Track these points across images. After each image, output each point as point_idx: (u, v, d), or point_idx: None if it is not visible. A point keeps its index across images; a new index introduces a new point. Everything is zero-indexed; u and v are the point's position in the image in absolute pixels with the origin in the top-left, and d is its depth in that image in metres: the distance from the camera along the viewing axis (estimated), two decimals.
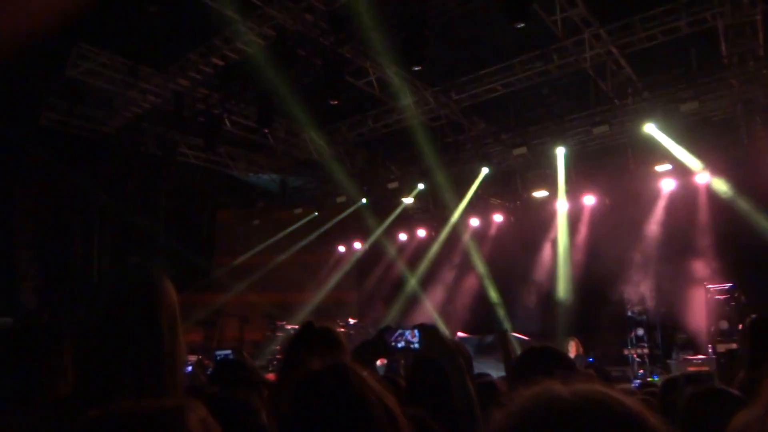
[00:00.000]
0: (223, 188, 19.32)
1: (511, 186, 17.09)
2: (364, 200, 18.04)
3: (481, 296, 17.87)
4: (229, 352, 15.13)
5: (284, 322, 17.68)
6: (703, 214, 14.82)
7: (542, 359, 2.97)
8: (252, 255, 19.48)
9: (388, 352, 3.25)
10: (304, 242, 19.43)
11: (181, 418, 1.47)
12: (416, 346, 3.02)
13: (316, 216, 19.27)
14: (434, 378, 3.04)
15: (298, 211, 19.08)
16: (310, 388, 1.90)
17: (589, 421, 1.05)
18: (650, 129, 13.49)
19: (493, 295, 17.61)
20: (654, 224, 15.66)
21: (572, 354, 12.77)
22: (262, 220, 19.76)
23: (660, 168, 14.72)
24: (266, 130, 15.04)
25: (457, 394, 2.79)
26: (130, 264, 2.15)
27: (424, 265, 18.88)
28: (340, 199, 18.06)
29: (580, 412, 1.06)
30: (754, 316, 4.35)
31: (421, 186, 16.84)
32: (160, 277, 2.10)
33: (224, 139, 15.48)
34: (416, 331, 3.01)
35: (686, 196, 15.07)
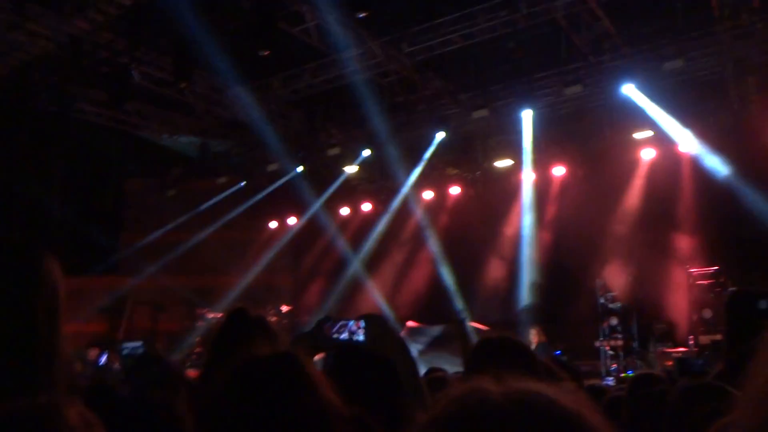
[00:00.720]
0: (132, 153, 19.01)
1: (471, 154, 17.30)
2: (299, 168, 18.06)
3: (436, 280, 18.11)
4: (138, 344, 15.08)
5: (206, 310, 17.92)
6: (687, 187, 15.19)
7: (499, 351, 3.01)
8: (167, 232, 19.43)
9: (329, 345, 3.41)
10: (228, 217, 19.42)
11: (57, 414, 1.46)
12: (361, 338, 3.19)
13: (243, 186, 19.23)
14: (379, 375, 3.04)
15: (222, 180, 18.96)
16: (252, 378, 1.89)
17: (518, 426, 1.07)
18: (629, 90, 13.80)
19: (449, 279, 17.87)
20: (631, 199, 16.03)
21: (533, 344, 13.12)
22: (178, 191, 19.66)
23: (639, 135, 15.04)
24: (183, 85, 14.79)
25: (408, 393, 2.86)
26: (1, 239, 2.11)
27: (369, 244, 19.02)
28: (272, 167, 18.06)
29: (510, 416, 1.08)
30: (732, 288, 4.54)
31: (366, 152, 16.95)
32: (37, 255, 2.05)
33: (133, 95, 15.18)
34: (361, 322, 3.17)
35: (668, 167, 15.41)
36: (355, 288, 18.69)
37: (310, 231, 20.02)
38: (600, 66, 13.96)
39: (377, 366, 2.92)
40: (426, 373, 6.13)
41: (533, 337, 13.38)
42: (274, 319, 16.74)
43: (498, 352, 2.99)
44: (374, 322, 3.26)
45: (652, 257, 15.14)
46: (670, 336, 14.97)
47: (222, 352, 3.14)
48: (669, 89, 13.97)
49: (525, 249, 17.01)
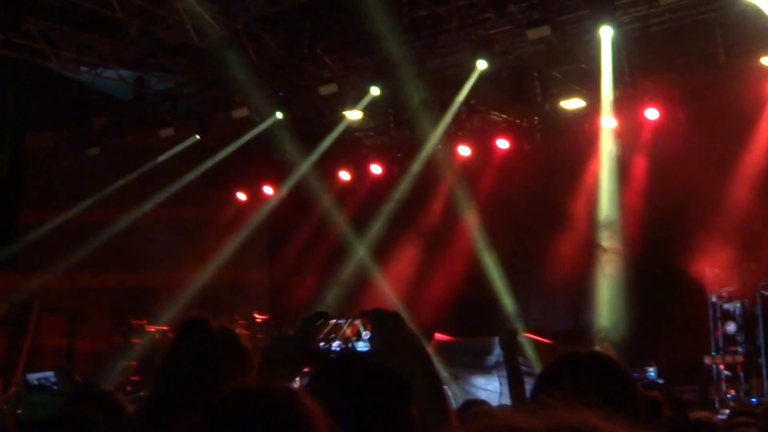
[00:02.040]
0: (35, 94, 19.05)
1: (526, 92, 17.23)
2: (278, 114, 17.98)
3: (474, 274, 18.18)
4: (49, 374, 15.05)
5: (145, 322, 18.04)
6: None
7: (584, 374, 2.91)
8: (87, 208, 19.49)
9: (316, 356, 3.38)
10: (177, 186, 19.51)
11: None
12: (363, 346, 3.07)
13: (198, 142, 19.21)
14: (394, 397, 3.01)
15: (167, 132, 18.92)
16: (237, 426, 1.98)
17: None
18: None
19: (493, 271, 17.96)
20: (756, 153, 16.09)
21: None
22: (104, 149, 19.49)
23: None
24: None
25: (430, 425, 2.84)
26: None
27: (380, 224, 19.06)
28: (239, 113, 18.02)
29: None
30: None
31: (374, 91, 16.92)
32: None
33: (34, 10, 15.12)
34: (360, 323, 3.02)
35: None
36: (359, 286, 18.83)
37: (295, 206, 20.05)
38: None
39: (382, 385, 2.90)
40: (462, 408, 6.35)
41: None
42: (244, 332, 16.85)
43: (583, 375, 2.90)
44: (385, 321, 3.21)
45: None
46: None
47: (174, 383, 3.17)
48: None
49: (603, 228, 17.14)
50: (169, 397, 3.09)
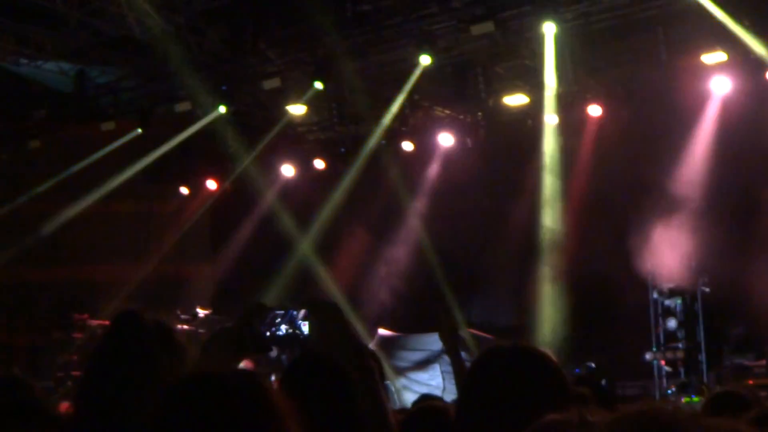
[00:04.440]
0: None
1: (469, 88, 17.12)
2: (221, 109, 17.88)
3: (418, 269, 18.29)
4: None
5: (86, 316, 17.76)
6: None
7: (511, 367, 2.97)
8: (25, 201, 19.24)
9: (262, 343, 3.40)
10: (118, 180, 19.25)
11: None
12: (306, 330, 3.16)
13: (140, 135, 18.94)
14: (324, 385, 3.16)
15: (108, 126, 18.69)
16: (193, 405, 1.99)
17: None
18: None
19: (437, 266, 17.99)
20: (697, 149, 16.21)
21: None
22: (43, 142, 19.37)
23: (709, 58, 15.12)
24: None
25: (365, 409, 2.93)
26: None
27: (323, 218, 18.99)
28: (181, 107, 17.87)
29: None
30: None
31: (318, 85, 16.79)
32: None
33: None
34: (306, 312, 3.10)
35: (749, 104, 15.51)
36: (303, 281, 18.75)
37: (238, 200, 20.01)
38: None
39: (326, 375, 3.03)
40: (417, 402, 6.45)
41: None
42: (185, 327, 16.70)
43: (509, 369, 2.96)
44: (322, 310, 3.28)
45: (727, 233, 15.36)
46: (751, 344, 15.32)
47: (104, 377, 3.18)
48: None
49: (544, 223, 17.15)
50: (97, 391, 3.14)
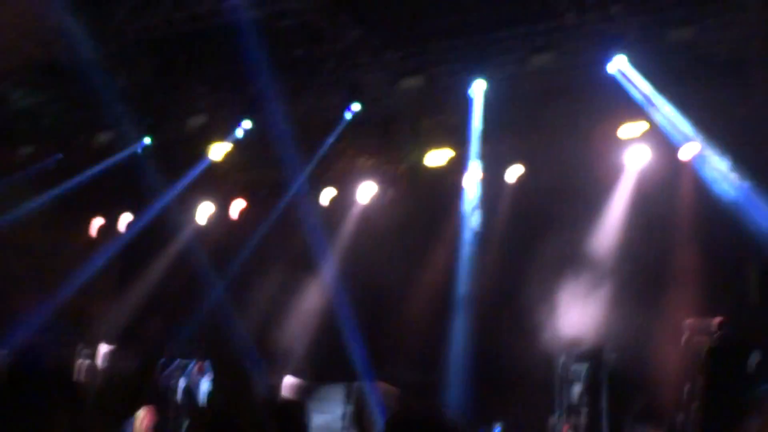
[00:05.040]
0: None
1: (395, 139, 17.53)
2: (145, 141, 17.92)
3: (330, 319, 18.12)
4: None
5: None
6: (688, 204, 15.60)
7: None
8: None
9: (157, 395, 3.31)
10: (30, 206, 18.90)
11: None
12: (207, 384, 3.07)
13: (57, 162, 18.89)
14: None
15: (26, 151, 18.55)
16: None
17: None
18: (618, 65, 14.13)
19: (350, 316, 17.84)
20: (612, 217, 16.47)
21: None
22: None
23: (628, 129, 15.51)
24: None
25: None
26: None
27: (240, 261, 18.91)
28: (103, 137, 17.85)
29: None
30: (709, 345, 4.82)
31: (245, 125, 16.79)
32: None
33: None
34: (206, 365, 3.05)
35: (665, 176, 15.85)
36: (214, 324, 18.43)
37: (153, 236, 19.69)
38: (581, 28, 14.25)
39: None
40: None
41: None
42: (86, 361, 16.41)
43: None
44: (225, 364, 3.11)
45: (634, 300, 15.58)
46: (653, 414, 15.15)
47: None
48: (672, 68, 14.33)
49: (462, 279, 17.17)
50: None
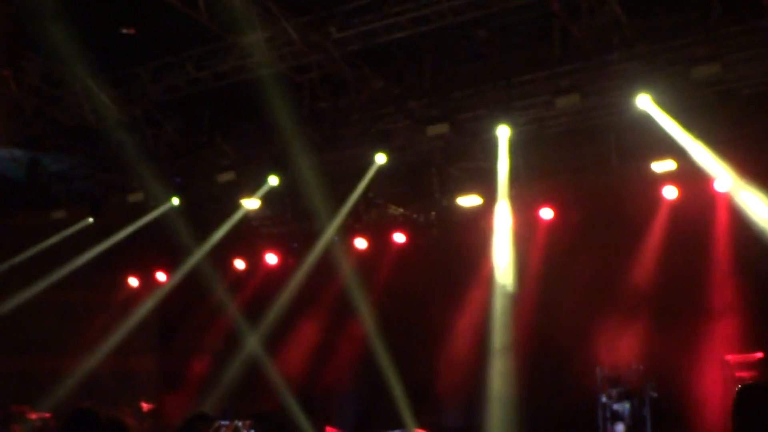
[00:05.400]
0: None
1: (423, 186, 17.43)
2: (175, 200, 17.91)
3: (368, 367, 18.19)
4: None
5: (25, 407, 17.61)
6: (723, 241, 15.67)
7: None
8: None
9: None
10: (67, 269, 19.05)
11: None
12: None
13: (91, 224, 18.87)
14: None
15: (59, 214, 18.64)
16: None
17: None
18: (644, 104, 14.03)
19: (387, 365, 17.91)
20: (646, 255, 16.38)
21: None
22: None
23: (658, 167, 15.32)
24: (7, 72, 14.50)
25: None
26: None
27: (274, 313, 18.87)
28: (135, 198, 17.84)
29: None
30: (740, 385, 4.76)
31: (273, 181, 16.87)
32: None
33: None
34: (252, 423, 3.13)
35: (697, 212, 15.82)
36: (251, 377, 18.56)
37: (188, 292, 19.84)
38: (606, 69, 14.18)
39: None
40: None
41: None
42: (130, 422, 16.41)
43: None
44: (268, 423, 3.10)
45: (675, 337, 15.54)
46: None
47: None
48: (699, 104, 14.25)
49: (498, 322, 17.13)
50: None
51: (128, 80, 15.90)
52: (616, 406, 16.02)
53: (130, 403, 17.72)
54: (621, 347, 15.99)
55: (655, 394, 15.82)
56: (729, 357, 14.68)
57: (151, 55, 15.28)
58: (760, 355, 14.42)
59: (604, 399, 16.05)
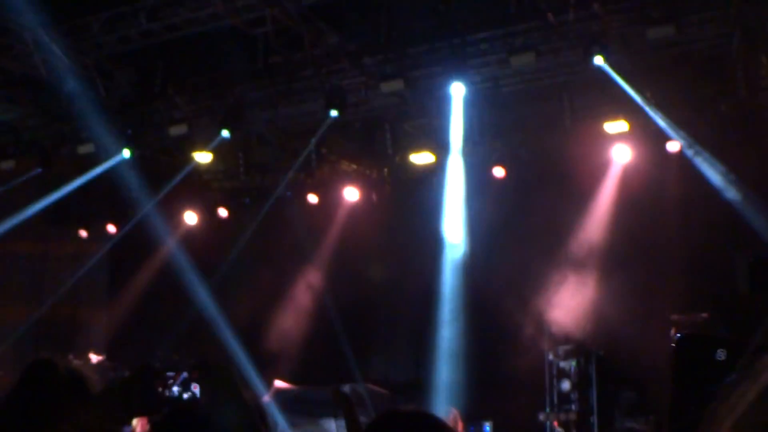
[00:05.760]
0: None
1: (377, 143, 17.29)
2: (125, 153, 17.66)
3: (319, 321, 18.29)
4: None
5: None
6: (673, 202, 15.70)
7: None
8: None
9: (152, 404, 3.54)
10: (14, 221, 18.79)
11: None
12: (197, 393, 3.13)
13: (40, 175, 18.61)
14: None
15: (7, 165, 18.40)
16: None
17: None
18: (599, 63, 13.99)
19: (338, 319, 18.01)
20: (596, 215, 16.56)
21: None
22: None
23: (612, 127, 15.45)
24: None
25: None
26: None
27: (225, 267, 18.91)
28: (84, 149, 17.61)
29: None
30: (681, 333, 4.84)
31: (225, 134, 16.71)
32: None
33: None
34: (197, 373, 3.09)
35: (649, 172, 15.90)
36: (200, 330, 18.36)
37: (138, 245, 19.69)
38: (562, 28, 14.18)
39: None
40: None
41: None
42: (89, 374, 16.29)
43: None
44: (213, 374, 3.38)
45: (622, 296, 15.56)
46: (641, 408, 15.42)
47: (12, 424, 3.21)
48: (654, 65, 14.35)
49: (446, 279, 17.26)
50: None
51: (80, 30, 15.55)
52: (562, 364, 16.14)
53: (79, 355, 17.56)
54: (569, 306, 16.00)
55: (601, 353, 15.98)
56: (674, 316, 14.72)
57: (104, 5, 15.00)
58: (705, 315, 14.54)
59: (551, 357, 16.18)
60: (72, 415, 3.18)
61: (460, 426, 13.48)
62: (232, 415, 3.09)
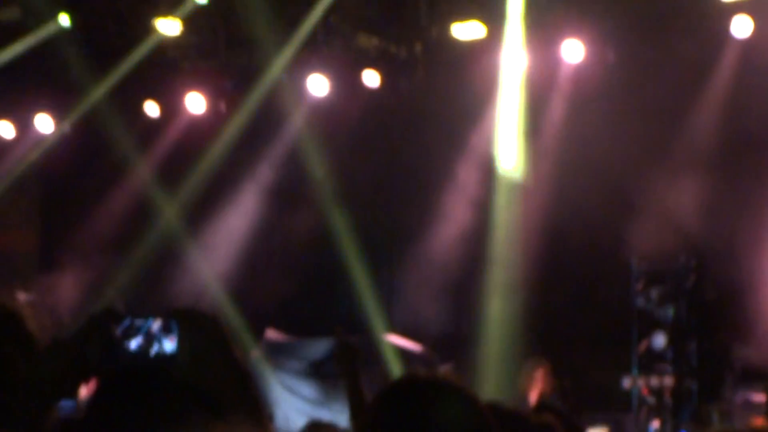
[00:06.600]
0: None
1: (407, 9, 16.78)
2: (64, 19, 17.10)
3: (323, 251, 17.85)
4: None
5: None
6: None
7: (416, 410, 2.94)
8: None
9: (110, 358, 3.32)
10: None
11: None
12: (170, 348, 3.38)
13: None
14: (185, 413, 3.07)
15: None
16: None
17: None
18: None
19: (350, 249, 17.30)
20: (708, 108, 16.06)
21: (534, 392, 13.38)
22: None
23: None
24: None
25: None
26: None
27: (199, 178, 18.23)
28: (8, 14, 17.14)
29: None
30: None
31: None
32: None
33: None
34: (171, 323, 3.37)
35: None
36: (166, 263, 18.38)
37: (81, 148, 19.10)
38: None
39: (181, 401, 3.06)
40: (306, 430, 7.13)
41: (536, 381, 13.62)
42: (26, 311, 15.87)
43: (417, 411, 2.96)
44: (191, 319, 3.26)
45: (737, 219, 15.41)
46: (761, 372, 14.80)
47: None
48: None
49: (500, 197, 17.06)
50: None
51: None
52: (657, 311, 15.87)
53: (1, 293, 16.38)
54: (666, 232, 15.49)
55: (710, 296, 15.86)
56: None
57: None
58: None
59: (640, 303, 15.82)
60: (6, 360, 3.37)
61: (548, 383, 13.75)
62: (220, 379, 3.04)
